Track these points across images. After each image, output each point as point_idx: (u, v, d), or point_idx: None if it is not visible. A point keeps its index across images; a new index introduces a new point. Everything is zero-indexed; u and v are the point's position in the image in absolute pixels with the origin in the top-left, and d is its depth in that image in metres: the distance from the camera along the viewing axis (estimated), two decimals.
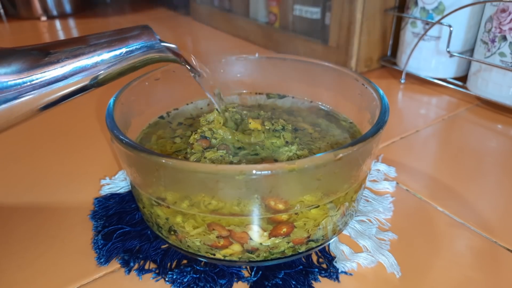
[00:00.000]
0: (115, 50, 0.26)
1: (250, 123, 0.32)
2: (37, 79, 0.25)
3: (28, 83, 0.25)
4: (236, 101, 0.41)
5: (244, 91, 0.41)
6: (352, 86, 0.35)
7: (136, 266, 0.29)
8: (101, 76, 0.27)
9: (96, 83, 0.27)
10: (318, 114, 0.37)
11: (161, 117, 0.37)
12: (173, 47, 0.29)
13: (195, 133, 0.31)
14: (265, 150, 0.30)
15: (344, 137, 0.34)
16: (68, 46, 0.26)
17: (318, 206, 0.25)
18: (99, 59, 0.26)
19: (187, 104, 0.39)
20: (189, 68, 0.31)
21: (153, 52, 0.27)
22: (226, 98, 0.41)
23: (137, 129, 0.35)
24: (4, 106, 0.25)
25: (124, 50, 0.26)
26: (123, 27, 0.28)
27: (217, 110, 0.33)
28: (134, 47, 0.27)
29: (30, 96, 0.25)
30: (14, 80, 0.24)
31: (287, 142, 0.30)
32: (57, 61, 0.25)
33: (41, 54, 0.25)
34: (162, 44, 0.27)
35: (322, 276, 0.28)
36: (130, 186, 0.36)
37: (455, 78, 0.58)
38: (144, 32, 0.27)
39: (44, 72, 0.25)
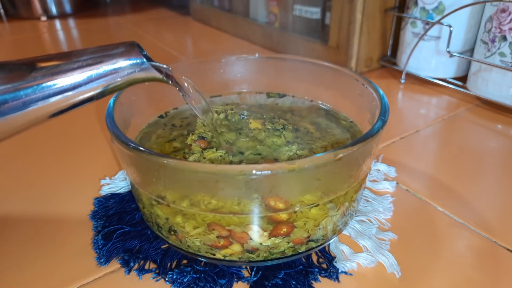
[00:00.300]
0: (96, 69, 0.24)
1: (250, 122, 0.32)
2: (12, 99, 0.23)
3: (10, 102, 0.23)
4: (236, 100, 0.41)
5: (244, 90, 0.41)
6: (352, 86, 0.35)
7: (136, 266, 0.29)
8: (80, 97, 0.25)
9: (72, 105, 0.25)
10: (318, 114, 0.37)
11: (161, 117, 0.37)
12: (164, 67, 0.27)
13: (193, 134, 0.31)
14: (266, 149, 0.30)
15: (345, 137, 0.34)
16: (51, 61, 0.24)
17: (318, 205, 0.25)
18: (79, 79, 0.24)
19: (187, 104, 0.39)
20: (178, 89, 0.29)
21: (139, 72, 0.25)
22: (225, 97, 0.41)
23: (137, 128, 0.35)
24: None
25: (106, 67, 0.24)
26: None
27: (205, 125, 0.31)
28: (118, 66, 0.25)
29: (11, 115, 0.24)
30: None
31: (287, 141, 0.30)
32: (35, 79, 0.23)
33: (27, 69, 0.24)
34: (150, 63, 0.25)
35: (322, 276, 0.28)
36: (130, 186, 0.36)
37: (455, 78, 0.58)
38: (129, 50, 0.25)
39: (24, 89, 0.23)
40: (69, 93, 0.24)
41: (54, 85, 0.24)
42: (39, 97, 0.24)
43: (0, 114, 0.23)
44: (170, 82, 0.28)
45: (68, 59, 0.24)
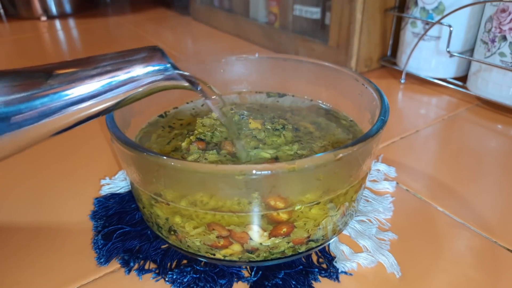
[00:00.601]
0: (117, 76, 0.22)
1: (250, 123, 0.32)
2: (27, 108, 0.21)
3: (24, 113, 0.21)
4: (236, 100, 0.41)
5: (244, 90, 0.41)
6: (352, 86, 0.35)
7: (136, 266, 0.29)
8: (98, 107, 0.23)
9: (95, 115, 0.23)
10: (318, 113, 0.37)
11: (161, 116, 0.37)
12: (187, 75, 0.25)
13: (191, 135, 0.31)
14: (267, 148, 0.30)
15: (345, 136, 0.34)
16: (68, 68, 0.22)
17: (319, 203, 0.25)
18: (98, 86, 0.22)
19: (187, 103, 0.39)
20: (202, 95, 0.27)
21: (164, 80, 0.23)
22: (225, 97, 0.41)
23: (137, 127, 0.35)
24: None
25: (127, 75, 0.22)
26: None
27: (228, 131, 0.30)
28: (141, 73, 0.22)
29: (25, 127, 0.22)
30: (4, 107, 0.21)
31: (287, 141, 0.30)
32: (51, 88, 0.21)
33: (43, 77, 0.22)
34: (175, 71, 0.23)
35: (322, 276, 0.28)
36: (130, 186, 0.36)
37: (455, 78, 0.58)
38: (153, 55, 0.23)
39: (39, 101, 0.21)
40: (87, 103, 0.22)
41: (71, 93, 0.22)
42: (56, 107, 0.22)
43: (14, 126, 0.21)
44: (197, 90, 0.25)
45: (87, 66, 0.22)
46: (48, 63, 0.23)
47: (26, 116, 0.22)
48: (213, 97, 0.27)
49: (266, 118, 0.34)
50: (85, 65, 0.22)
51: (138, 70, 0.23)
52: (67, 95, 0.22)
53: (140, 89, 0.23)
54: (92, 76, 0.22)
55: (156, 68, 0.23)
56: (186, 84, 0.24)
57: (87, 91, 0.22)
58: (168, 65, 0.23)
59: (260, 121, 0.32)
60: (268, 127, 0.32)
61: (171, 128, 0.36)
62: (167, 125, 0.36)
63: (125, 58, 0.23)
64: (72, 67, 0.22)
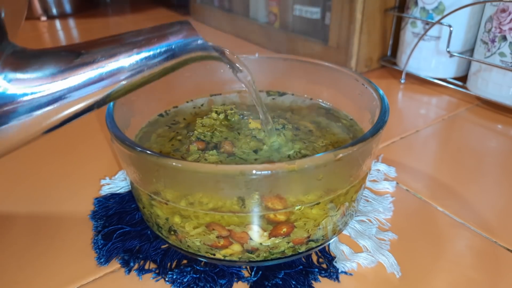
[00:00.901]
0: (154, 49, 0.23)
1: (250, 122, 0.32)
2: (70, 83, 0.22)
3: (63, 87, 0.22)
4: (235, 99, 0.41)
5: (244, 89, 0.41)
6: (352, 86, 0.35)
7: (136, 266, 0.29)
8: (138, 78, 0.24)
9: (134, 85, 0.24)
10: (318, 112, 0.37)
11: (161, 115, 0.37)
12: (218, 46, 0.26)
13: (191, 135, 0.31)
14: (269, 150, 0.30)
15: (345, 136, 0.34)
16: (102, 46, 0.23)
17: (319, 203, 0.25)
18: (138, 58, 0.23)
19: (187, 102, 0.39)
20: (230, 66, 0.28)
21: (196, 50, 0.24)
22: (225, 97, 0.41)
23: (137, 127, 0.35)
24: (29, 115, 0.22)
25: (164, 48, 0.23)
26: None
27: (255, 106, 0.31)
28: (176, 45, 0.24)
29: (65, 101, 0.22)
30: (44, 84, 0.22)
31: (287, 140, 0.30)
32: (93, 62, 0.22)
33: (72, 55, 0.22)
34: (207, 42, 0.25)
35: (322, 276, 0.28)
36: (130, 186, 0.36)
37: (455, 78, 0.58)
38: (184, 28, 0.24)
39: (81, 73, 0.22)
40: (126, 74, 0.23)
41: (112, 65, 0.23)
42: (92, 81, 0.22)
43: (56, 99, 0.22)
44: (225, 60, 0.27)
45: (121, 41, 0.23)
46: (78, 43, 0.24)
47: (66, 94, 0.22)
48: (240, 69, 0.29)
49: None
50: (119, 41, 0.23)
51: (174, 43, 0.24)
52: (105, 70, 0.23)
53: (175, 61, 0.24)
54: (128, 50, 0.23)
55: (190, 40, 0.24)
56: (217, 54, 0.26)
57: (127, 64, 0.23)
58: (200, 37, 0.24)
59: (259, 121, 0.32)
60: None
61: (171, 128, 0.36)
62: (167, 124, 0.36)
63: (160, 32, 0.24)
64: (103, 45, 0.23)
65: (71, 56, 0.22)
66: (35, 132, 0.24)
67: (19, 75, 0.21)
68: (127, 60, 0.23)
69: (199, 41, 0.24)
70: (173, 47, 0.24)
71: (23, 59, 0.22)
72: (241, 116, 0.34)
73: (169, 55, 0.24)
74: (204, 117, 0.33)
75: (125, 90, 0.24)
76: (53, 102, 0.22)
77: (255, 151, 0.30)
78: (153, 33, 0.24)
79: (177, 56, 0.24)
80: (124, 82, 0.23)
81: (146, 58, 0.23)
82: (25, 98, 0.22)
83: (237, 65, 0.29)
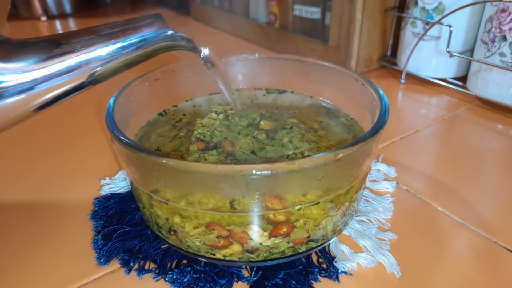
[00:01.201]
0: (129, 39, 0.26)
1: (261, 123, 0.32)
2: (51, 70, 0.24)
3: (43, 75, 0.24)
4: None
5: (244, 87, 0.41)
6: (352, 86, 0.35)
7: (136, 266, 0.29)
8: (113, 66, 0.26)
9: (110, 73, 0.26)
10: (318, 112, 0.37)
11: (160, 114, 0.37)
12: (187, 36, 0.29)
13: (191, 135, 0.31)
14: (274, 146, 0.30)
15: (346, 135, 0.34)
16: (80, 36, 0.25)
17: (319, 203, 0.25)
18: (114, 48, 0.25)
19: (186, 101, 0.39)
20: (201, 57, 0.30)
21: (167, 40, 0.27)
22: (224, 96, 0.41)
23: (137, 126, 0.35)
24: (16, 98, 0.24)
25: (138, 39, 0.26)
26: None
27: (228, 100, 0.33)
28: (148, 36, 0.26)
29: (43, 88, 0.24)
30: (27, 72, 0.24)
31: (290, 140, 0.31)
32: (72, 51, 0.25)
33: (53, 45, 0.25)
34: (177, 33, 0.27)
35: (322, 276, 0.28)
36: (130, 186, 0.36)
37: (455, 78, 0.58)
38: (156, 20, 0.27)
39: (59, 62, 0.24)
40: (102, 62, 0.26)
41: (89, 55, 0.25)
42: (71, 69, 0.25)
43: (29, 89, 0.24)
44: (195, 50, 0.29)
45: (98, 33, 0.26)
46: (55, 34, 0.26)
47: (40, 81, 0.25)
48: (206, 55, 0.31)
49: (267, 117, 0.34)
50: (95, 32, 0.26)
51: (146, 34, 0.27)
52: (83, 58, 0.25)
53: (148, 49, 0.27)
54: (105, 41, 0.26)
55: (162, 31, 0.27)
56: (187, 44, 0.28)
57: (103, 53, 0.25)
58: (171, 29, 0.27)
59: (271, 122, 0.32)
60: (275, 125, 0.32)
61: (170, 128, 0.36)
62: (166, 124, 0.36)
63: (133, 24, 0.27)
64: (82, 35, 0.26)
65: (51, 46, 0.25)
66: (20, 114, 0.26)
67: (4, 65, 0.24)
68: (103, 50, 0.25)
69: (169, 32, 0.27)
70: (145, 37, 0.26)
71: (7, 50, 0.24)
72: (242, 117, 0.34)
73: (142, 45, 0.26)
74: (204, 117, 0.33)
75: (102, 76, 0.26)
76: (35, 88, 0.24)
77: (255, 151, 0.30)
78: (127, 25, 0.26)
79: (149, 46, 0.27)
80: (100, 69, 0.26)
81: (121, 47, 0.26)
82: (9, 84, 0.24)
83: (211, 59, 0.31)
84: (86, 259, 0.29)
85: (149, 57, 0.28)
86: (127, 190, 0.36)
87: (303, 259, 0.29)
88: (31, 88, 0.24)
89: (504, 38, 0.47)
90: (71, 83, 0.25)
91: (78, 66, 0.25)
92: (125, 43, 0.26)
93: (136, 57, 0.27)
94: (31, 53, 0.24)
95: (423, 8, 0.55)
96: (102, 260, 0.29)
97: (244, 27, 0.80)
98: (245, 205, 0.24)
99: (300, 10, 0.68)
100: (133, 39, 0.26)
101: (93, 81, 0.26)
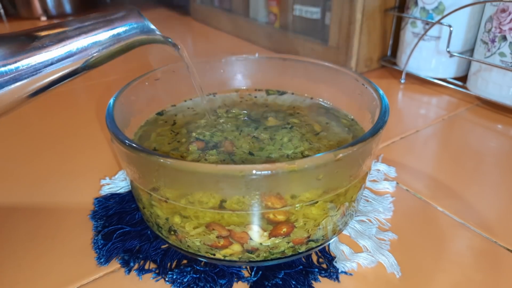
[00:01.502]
0: (100, 33, 0.25)
1: (268, 120, 0.32)
2: (23, 65, 0.24)
3: (15, 70, 0.24)
4: (235, 98, 0.41)
5: (244, 88, 0.41)
6: (352, 86, 0.35)
7: (136, 266, 0.29)
8: (90, 60, 0.26)
9: (83, 67, 0.26)
10: (319, 112, 0.37)
11: (159, 114, 0.37)
12: (159, 33, 0.28)
13: (191, 135, 0.31)
14: (275, 146, 0.30)
15: (346, 135, 0.34)
16: (53, 30, 0.25)
17: (317, 202, 0.25)
18: (85, 43, 0.25)
19: (185, 101, 0.39)
20: (173, 47, 0.30)
21: (141, 34, 0.27)
22: (225, 96, 0.41)
23: (136, 126, 0.35)
24: None
25: (110, 32, 0.26)
26: None
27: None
28: (121, 29, 0.26)
29: (19, 83, 0.24)
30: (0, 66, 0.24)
31: (289, 140, 0.31)
32: (42, 46, 0.24)
33: (28, 39, 0.24)
34: (151, 26, 0.27)
35: (322, 276, 0.28)
36: (130, 186, 0.36)
37: (455, 78, 0.58)
38: (130, 14, 0.27)
39: (30, 57, 0.24)
40: (73, 58, 0.25)
41: (60, 51, 0.25)
42: (43, 65, 0.24)
43: (9, 83, 0.24)
44: (168, 43, 0.29)
45: (69, 26, 0.25)
46: (30, 28, 0.26)
47: (19, 74, 0.24)
48: (180, 49, 0.31)
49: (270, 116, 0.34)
50: (68, 26, 0.25)
51: (119, 27, 0.26)
52: (55, 53, 0.25)
53: (120, 44, 0.27)
54: (77, 35, 0.25)
55: (135, 25, 0.27)
56: (160, 38, 0.28)
57: (74, 48, 0.25)
58: (145, 22, 0.27)
59: (276, 120, 0.32)
60: (275, 124, 0.32)
61: (170, 127, 0.36)
62: (166, 123, 0.36)
63: (106, 17, 0.26)
64: (55, 29, 0.25)
65: (27, 41, 0.24)
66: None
67: None
68: (74, 45, 0.25)
69: (144, 26, 0.27)
70: (118, 31, 0.26)
71: None
72: (244, 118, 0.34)
73: (115, 39, 0.26)
74: (204, 117, 0.33)
75: (74, 72, 0.26)
76: (4, 85, 0.24)
77: (256, 151, 0.30)
78: (99, 19, 0.26)
79: (123, 40, 0.26)
80: (70, 64, 0.25)
81: (93, 43, 0.25)
82: None
83: (174, 42, 0.30)
84: (86, 259, 0.29)
85: (123, 52, 0.27)
86: (127, 190, 0.36)
87: (303, 259, 0.29)
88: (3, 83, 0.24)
89: (504, 38, 0.47)
90: (45, 78, 0.25)
91: (50, 62, 0.24)
92: (98, 38, 0.25)
93: (109, 52, 0.26)
94: (4, 46, 0.24)
95: (423, 8, 0.55)
96: (102, 260, 0.29)
97: (244, 27, 0.80)
98: (245, 204, 0.24)
99: (300, 10, 0.68)
100: (105, 32, 0.26)
101: (76, 71, 0.26)
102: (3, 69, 0.24)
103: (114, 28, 0.26)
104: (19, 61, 0.24)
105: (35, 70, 0.24)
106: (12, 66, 0.24)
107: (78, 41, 0.25)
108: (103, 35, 0.25)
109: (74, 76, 0.26)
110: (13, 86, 0.24)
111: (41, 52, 0.24)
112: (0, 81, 0.24)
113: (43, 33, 0.25)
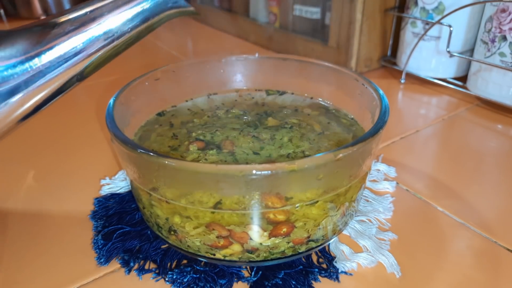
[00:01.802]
0: (129, 9, 0.23)
1: (268, 120, 0.32)
2: (52, 54, 0.22)
3: (42, 62, 0.21)
4: (235, 98, 0.41)
5: (244, 88, 0.41)
6: (352, 86, 0.35)
7: (136, 266, 0.29)
8: (117, 42, 0.23)
9: (114, 52, 0.24)
10: (319, 112, 0.37)
11: (159, 114, 0.37)
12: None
13: (191, 135, 0.31)
14: (275, 146, 0.30)
15: (346, 135, 0.34)
16: (76, 13, 0.23)
17: (317, 201, 0.25)
18: (116, 23, 0.23)
19: (186, 101, 0.39)
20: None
21: (171, 7, 0.25)
22: (225, 95, 0.41)
23: (136, 126, 0.35)
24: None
25: (139, 8, 0.23)
26: None
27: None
28: (150, 6, 0.24)
29: (50, 76, 0.22)
30: (21, 60, 0.21)
31: (289, 140, 0.31)
32: (68, 32, 0.22)
33: (48, 27, 0.22)
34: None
35: (322, 276, 0.28)
36: (130, 186, 0.36)
37: (455, 78, 0.58)
38: None
39: (58, 45, 0.22)
40: (102, 43, 0.23)
41: (86, 35, 0.23)
42: (69, 54, 0.22)
43: (42, 73, 0.22)
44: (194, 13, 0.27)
45: (95, 5, 0.23)
46: (46, 17, 0.23)
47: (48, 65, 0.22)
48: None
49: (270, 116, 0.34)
50: (93, 6, 0.23)
51: (146, 4, 0.24)
52: (84, 37, 0.23)
53: (153, 19, 0.24)
54: (106, 13, 0.23)
55: None
56: (192, 9, 0.26)
57: (101, 31, 0.23)
58: None
59: (277, 120, 0.32)
60: (275, 124, 0.32)
61: (170, 127, 0.36)
62: (166, 123, 0.36)
63: None
64: (79, 11, 0.23)
65: (44, 30, 0.22)
66: (18, 115, 0.23)
67: None
68: (101, 27, 0.23)
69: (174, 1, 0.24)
70: (149, 5, 0.24)
71: None
72: (244, 117, 0.34)
73: (144, 16, 0.24)
74: (204, 116, 0.33)
75: (104, 58, 0.24)
76: (31, 82, 0.22)
77: (256, 151, 0.30)
78: None
79: (152, 16, 0.24)
80: (100, 51, 0.23)
81: (125, 21, 0.23)
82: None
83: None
84: (86, 259, 0.29)
85: (153, 28, 0.25)
86: (127, 190, 0.36)
87: (303, 259, 0.29)
88: (25, 84, 0.21)
89: (504, 38, 0.47)
90: (70, 72, 0.23)
91: (77, 50, 0.22)
92: (127, 15, 0.23)
93: (140, 30, 0.24)
94: (20, 40, 0.21)
95: (423, 8, 0.55)
96: (102, 260, 0.29)
97: (244, 27, 0.80)
98: (245, 204, 0.24)
99: (300, 10, 0.68)
100: (133, 9, 0.23)
101: (94, 65, 0.24)
102: (24, 62, 0.21)
103: (139, 4, 0.24)
104: (43, 52, 0.21)
105: (67, 59, 0.22)
106: (35, 58, 0.21)
107: (104, 23, 0.23)
108: (129, 12, 0.23)
109: (106, 63, 0.24)
110: (46, 79, 0.22)
111: (64, 40, 0.22)
112: (26, 76, 0.21)
113: (61, 19, 0.23)
